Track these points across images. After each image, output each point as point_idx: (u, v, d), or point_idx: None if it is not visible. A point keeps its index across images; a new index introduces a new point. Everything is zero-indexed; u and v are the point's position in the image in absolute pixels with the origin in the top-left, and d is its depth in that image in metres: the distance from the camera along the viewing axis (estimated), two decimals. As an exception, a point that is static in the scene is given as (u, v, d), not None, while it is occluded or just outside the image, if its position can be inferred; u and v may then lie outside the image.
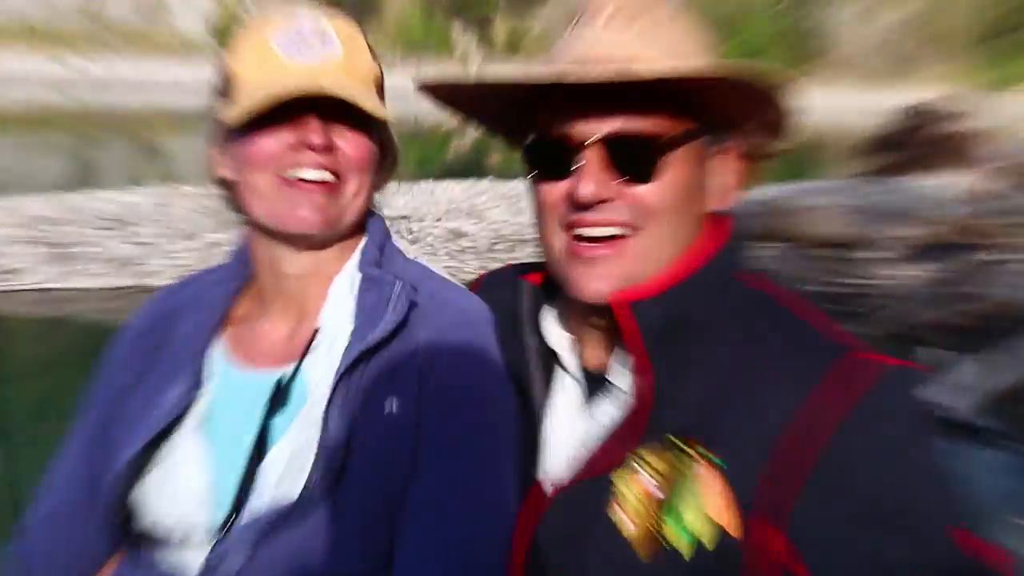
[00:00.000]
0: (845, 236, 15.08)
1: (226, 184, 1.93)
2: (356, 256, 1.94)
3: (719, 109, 1.62)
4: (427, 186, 18.55)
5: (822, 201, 17.70)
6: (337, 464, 1.69)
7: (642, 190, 1.60)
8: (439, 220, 15.86)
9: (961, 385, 8.79)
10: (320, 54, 1.79)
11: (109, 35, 57.49)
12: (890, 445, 1.41)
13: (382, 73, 1.94)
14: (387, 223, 2.06)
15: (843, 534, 1.38)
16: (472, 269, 14.00)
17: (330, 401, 1.73)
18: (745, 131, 1.69)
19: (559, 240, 1.69)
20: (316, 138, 1.76)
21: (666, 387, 1.57)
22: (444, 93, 1.76)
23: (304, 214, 1.79)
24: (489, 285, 2.01)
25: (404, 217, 15.75)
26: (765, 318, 1.61)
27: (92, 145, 32.21)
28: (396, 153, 2.00)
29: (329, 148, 1.79)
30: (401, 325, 1.79)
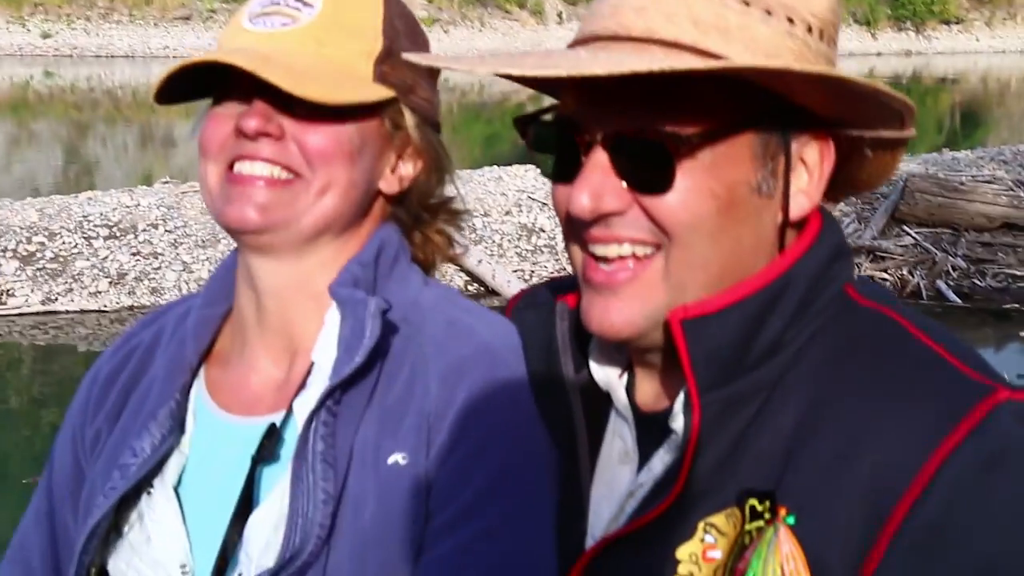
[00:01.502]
0: (1019, 217, 14.93)
1: None
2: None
3: (792, 96, 1.49)
4: (493, 172, 18.60)
5: (985, 174, 17.53)
6: (320, 530, 1.67)
7: (659, 202, 1.49)
8: (508, 214, 15.81)
9: None
10: (282, 21, 1.77)
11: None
12: (1012, 497, 1.33)
13: (390, 43, 1.84)
14: (400, 235, 1.96)
15: None
16: (549, 272, 14.02)
17: (303, 449, 1.70)
18: (831, 117, 1.56)
19: (578, 256, 1.62)
20: (251, 121, 1.72)
21: (736, 432, 1.51)
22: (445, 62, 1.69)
23: (237, 210, 1.75)
24: (523, 307, 1.90)
25: (464, 211, 15.66)
26: (884, 346, 1.50)
27: (87, 135, 32.72)
28: (423, 143, 1.91)
29: (271, 135, 1.74)
30: (406, 359, 1.77)
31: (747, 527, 1.45)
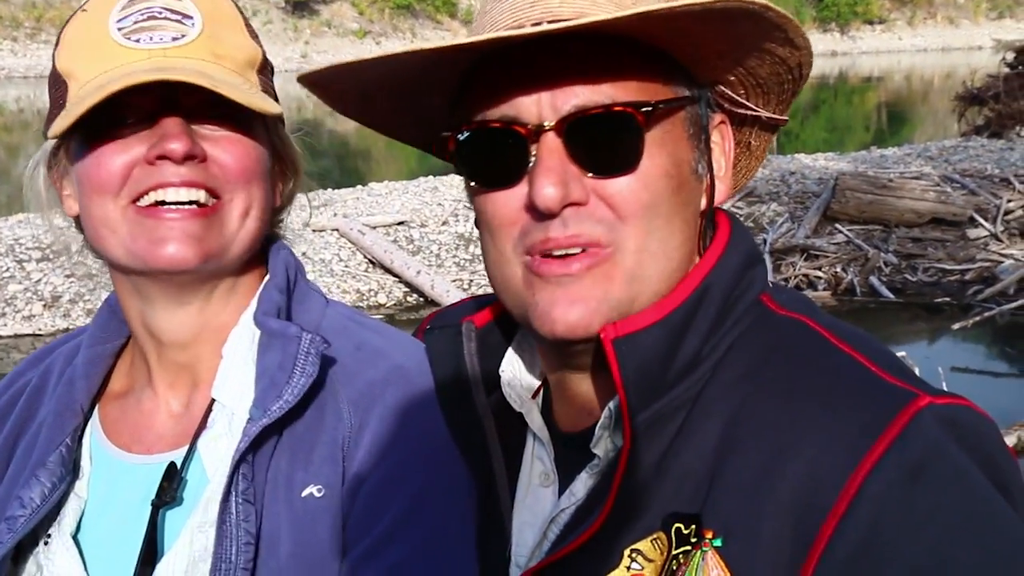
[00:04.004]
0: (946, 212, 15.12)
1: (78, 221, 1.78)
2: (254, 303, 1.78)
3: (703, 72, 1.54)
4: (429, 182, 18.69)
5: (912, 170, 17.77)
6: (243, 572, 1.57)
7: (619, 185, 1.45)
8: (444, 224, 15.87)
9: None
10: (172, 33, 1.62)
11: (27, 17, 57.51)
12: (939, 505, 1.28)
13: (264, 54, 1.77)
14: (293, 255, 1.88)
15: None
16: (487, 281, 14.06)
17: (228, 491, 1.60)
18: (738, 92, 1.61)
19: (514, 266, 1.54)
20: (176, 144, 1.58)
21: (659, 452, 1.46)
22: (338, 86, 1.55)
23: (172, 250, 1.61)
24: (430, 330, 1.82)
25: (402, 223, 15.82)
26: (803, 355, 1.46)
27: (16, 157, 31.44)
28: (296, 157, 1.85)
29: (196, 157, 1.62)
30: (315, 388, 1.66)
31: (674, 552, 1.41)
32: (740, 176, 1.81)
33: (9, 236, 14.67)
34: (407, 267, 13.46)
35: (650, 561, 1.43)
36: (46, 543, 1.73)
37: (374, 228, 15.11)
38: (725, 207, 1.69)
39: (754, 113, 1.65)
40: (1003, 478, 1.32)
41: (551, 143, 1.46)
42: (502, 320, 1.71)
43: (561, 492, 1.60)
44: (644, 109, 1.46)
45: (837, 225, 14.90)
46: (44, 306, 12.86)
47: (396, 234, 15.31)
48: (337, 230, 15.00)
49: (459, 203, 16.49)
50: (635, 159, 1.46)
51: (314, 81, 1.50)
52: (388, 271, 13.71)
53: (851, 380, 1.40)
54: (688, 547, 1.39)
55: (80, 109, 1.54)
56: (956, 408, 1.36)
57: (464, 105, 1.55)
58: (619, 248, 1.49)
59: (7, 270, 13.63)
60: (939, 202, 15.09)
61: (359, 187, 19.04)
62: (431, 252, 14.72)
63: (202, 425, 1.72)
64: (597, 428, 1.53)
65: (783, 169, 18.87)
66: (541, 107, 1.46)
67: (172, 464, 1.69)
